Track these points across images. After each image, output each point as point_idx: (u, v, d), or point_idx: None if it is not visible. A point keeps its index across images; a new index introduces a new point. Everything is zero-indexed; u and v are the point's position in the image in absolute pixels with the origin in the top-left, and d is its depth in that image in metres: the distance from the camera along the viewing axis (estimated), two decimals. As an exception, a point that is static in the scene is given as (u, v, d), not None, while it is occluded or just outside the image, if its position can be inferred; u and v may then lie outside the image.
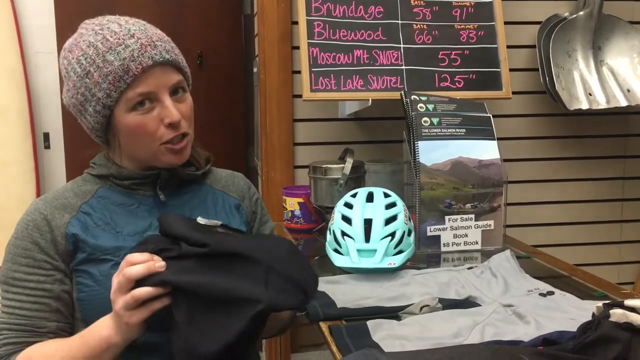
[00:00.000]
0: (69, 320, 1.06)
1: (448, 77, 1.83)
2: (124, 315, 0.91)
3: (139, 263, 0.90)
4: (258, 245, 0.97)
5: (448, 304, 1.19)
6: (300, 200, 1.84)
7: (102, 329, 0.95)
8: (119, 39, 1.01)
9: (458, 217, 1.56)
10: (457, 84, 1.83)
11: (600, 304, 1.00)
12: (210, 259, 0.92)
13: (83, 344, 0.97)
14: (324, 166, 1.76)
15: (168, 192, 1.13)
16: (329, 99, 1.81)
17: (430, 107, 1.63)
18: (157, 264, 0.91)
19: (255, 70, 2.36)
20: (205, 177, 1.22)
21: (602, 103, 2.05)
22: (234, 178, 1.28)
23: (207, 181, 1.21)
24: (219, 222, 1.04)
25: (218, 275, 0.90)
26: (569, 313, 1.12)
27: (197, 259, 0.92)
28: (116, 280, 0.92)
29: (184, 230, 0.96)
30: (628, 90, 2.06)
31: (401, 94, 1.65)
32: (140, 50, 1.01)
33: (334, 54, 1.76)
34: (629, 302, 0.97)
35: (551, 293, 1.24)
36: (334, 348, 1.02)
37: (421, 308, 1.16)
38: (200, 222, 1.02)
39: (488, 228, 1.59)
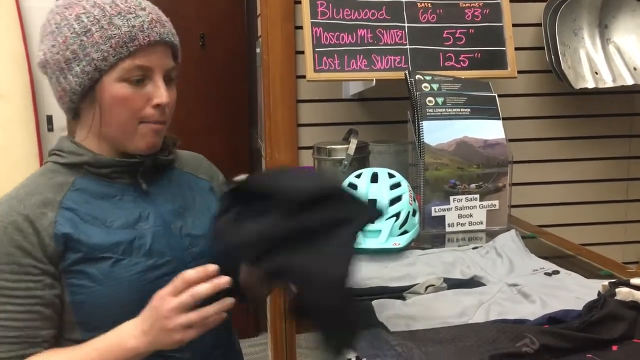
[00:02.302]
0: (58, 325, 0.99)
1: (453, 56, 1.81)
2: (179, 333, 0.88)
3: (199, 279, 0.88)
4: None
5: (453, 284, 1.19)
6: (305, 181, 1.84)
7: (128, 340, 0.91)
8: (129, 7, 0.99)
9: (463, 197, 1.56)
10: (461, 63, 1.81)
11: (606, 282, 1.00)
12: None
13: (105, 354, 0.92)
14: (328, 147, 1.75)
15: (147, 181, 1.07)
16: (332, 79, 1.80)
17: (435, 86, 1.61)
18: (222, 280, 0.89)
19: (258, 50, 2.35)
20: (174, 161, 1.16)
21: (608, 82, 2.03)
22: (199, 160, 1.24)
23: (177, 165, 1.16)
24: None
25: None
26: (575, 292, 1.12)
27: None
28: (175, 299, 0.88)
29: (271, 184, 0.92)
30: (634, 69, 2.04)
31: (405, 74, 1.64)
32: (150, 24, 0.99)
33: (338, 33, 1.74)
34: (634, 281, 0.98)
35: (556, 272, 1.24)
36: (340, 328, 1.02)
37: (426, 288, 1.16)
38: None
39: (493, 208, 1.58)
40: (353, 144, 1.70)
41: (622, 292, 0.96)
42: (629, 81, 2.02)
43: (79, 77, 0.98)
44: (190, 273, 0.89)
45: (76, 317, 0.98)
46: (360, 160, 1.74)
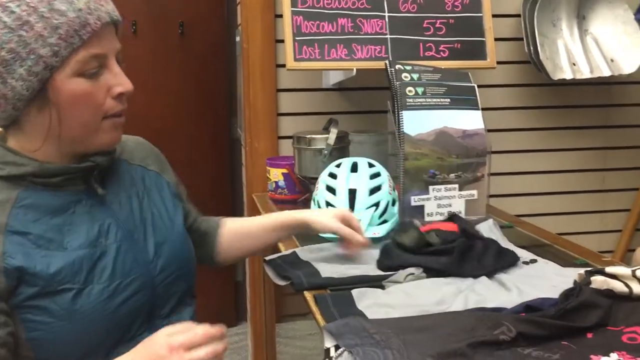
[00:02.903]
0: None
1: (433, 46, 1.81)
2: None
3: (219, 336, 0.84)
4: None
5: (432, 273, 1.20)
6: (285, 170, 1.83)
7: None
8: None
9: (442, 187, 1.56)
10: (441, 53, 1.82)
11: (581, 271, 1.01)
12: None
13: None
14: (308, 136, 1.75)
15: (101, 184, 0.96)
16: (313, 69, 1.79)
17: (415, 76, 1.61)
18: (227, 339, 0.85)
19: (237, 39, 2.33)
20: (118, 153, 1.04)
21: (585, 73, 2.05)
22: (145, 146, 1.11)
23: (123, 156, 1.04)
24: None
25: None
26: (551, 280, 1.13)
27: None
28: (193, 354, 0.81)
29: None
30: (611, 60, 2.06)
31: (386, 64, 1.64)
32: (95, 3, 0.86)
33: (318, 22, 1.73)
34: (609, 270, 0.99)
35: (534, 261, 1.26)
36: (319, 317, 1.03)
37: (406, 277, 1.17)
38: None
39: (471, 198, 1.59)
40: (333, 133, 1.70)
41: (598, 281, 0.97)
42: (606, 72, 2.04)
43: (25, 80, 0.83)
44: (212, 331, 0.83)
45: (35, 354, 0.87)
46: (340, 149, 1.73)
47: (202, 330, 0.83)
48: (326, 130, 1.77)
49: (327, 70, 1.95)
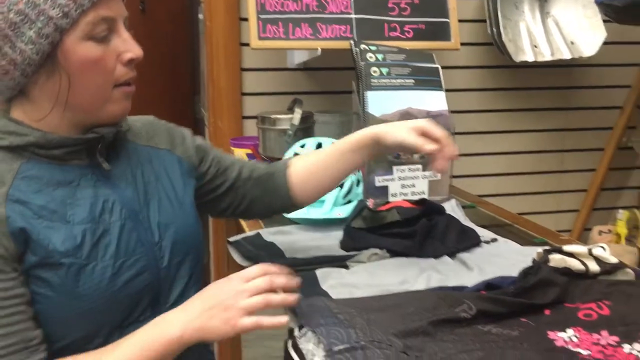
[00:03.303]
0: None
1: (397, 27, 1.81)
2: (237, 318, 0.85)
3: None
4: None
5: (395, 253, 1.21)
6: (249, 151, 1.82)
7: (169, 329, 0.85)
8: None
9: (406, 167, 1.57)
10: (406, 34, 1.81)
11: (540, 250, 1.04)
12: None
13: (143, 352, 0.84)
14: (272, 116, 1.74)
15: (107, 159, 0.94)
16: (277, 48, 1.77)
17: (380, 57, 1.61)
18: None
19: (200, 16, 2.29)
20: (127, 132, 1.02)
21: (546, 55, 2.08)
22: (152, 125, 1.09)
23: (130, 137, 1.02)
24: None
25: None
26: (511, 259, 1.16)
27: None
28: (248, 285, 0.87)
29: None
30: (572, 43, 2.10)
31: (351, 44, 1.63)
32: None
33: (282, 0, 1.71)
34: (567, 248, 1.01)
35: (494, 240, 1.28)
36: (283, 297, 1.03)
37: (369, 256, 1.18)
38: None
39: (435, 178, 1.60)
40: (297, 113, 1.69)
41: (555, 259, 1.00)
42: (567, 55, 2.08)
43: (36, 43, 0.81)
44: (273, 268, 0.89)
45: None
46: (305, 130, 1.73)
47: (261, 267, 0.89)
48: (291, 110, 1.76)
49: (292, 49, 1.93)
